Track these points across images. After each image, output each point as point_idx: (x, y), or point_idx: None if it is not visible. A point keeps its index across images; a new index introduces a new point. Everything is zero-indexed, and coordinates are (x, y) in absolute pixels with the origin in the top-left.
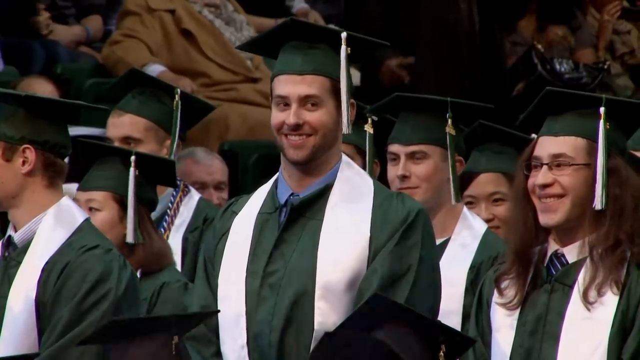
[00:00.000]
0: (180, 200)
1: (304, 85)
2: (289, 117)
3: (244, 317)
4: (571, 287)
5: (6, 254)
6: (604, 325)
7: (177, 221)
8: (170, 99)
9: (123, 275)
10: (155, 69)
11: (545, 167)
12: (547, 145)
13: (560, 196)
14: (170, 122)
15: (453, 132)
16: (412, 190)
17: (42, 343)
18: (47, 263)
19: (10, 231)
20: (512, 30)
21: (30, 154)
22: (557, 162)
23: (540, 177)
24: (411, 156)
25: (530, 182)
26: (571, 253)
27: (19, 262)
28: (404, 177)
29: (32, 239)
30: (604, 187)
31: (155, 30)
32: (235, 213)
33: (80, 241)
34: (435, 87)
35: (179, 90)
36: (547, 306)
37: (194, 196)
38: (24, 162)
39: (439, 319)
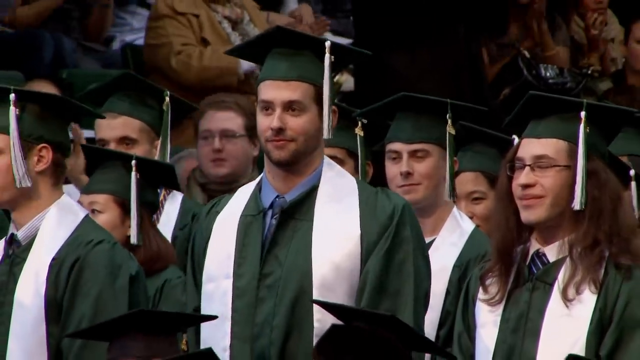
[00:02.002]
0: (164, 199)
1: (288, 90)
2: (273, 121)
3: (230, 320)
4: (551, 285)
5: (10, 251)
6: (583, 323)
7: (162, 218)
8: (156, 101)
9: (132, 266)
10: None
11: (527, 168)
12: (530, 147)
13: (540, 197)
14: (158, 123)
15: (453, 132)
16: (415, 187)
17: (64, 340)
18: (54, 259)
19: (12, 229)
20: (501, 36)
21: (47, 154)
22: (539, 163)
23: (522, 177)
24: (413, 154)
25: (514, 183)
26: (552, 252)
27: (24, 259)
28: (407, 174)
29: (35, 236)
30: (583, 189)
31: (187, 32)
32: (218, 213)
33: (86, 236)
34: (429, 90)
35: (168, 93)
36: (528, 304)
37: (177, 195)
38: (38, 160)
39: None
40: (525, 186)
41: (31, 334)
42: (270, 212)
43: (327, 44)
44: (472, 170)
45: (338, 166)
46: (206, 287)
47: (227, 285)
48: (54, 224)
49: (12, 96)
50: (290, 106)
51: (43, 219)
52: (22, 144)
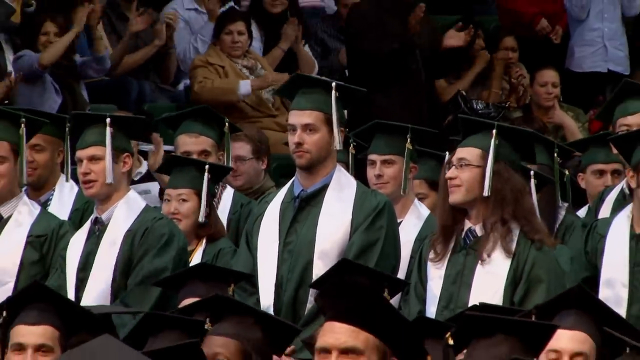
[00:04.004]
0: (221, 193)
1: (305, 117)
2: (295, 138)
3: (275, 272)
4: (478, 251)
5: (95, 229)
6: (501, 278)
7: (219, 207)
8: (218, 125)
9: (181, 235)
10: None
11: (454, 167)
12: (457, 153)
13: (458, 186)
14: (220, 140)
15: (411, 147)
16: (384, 184)
17: (129, 281)
18: (128, 230)
19: (96, 214)
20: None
21: (129, 160)
22: (460, 163)
23: (448, 173)
24: (384, 162)
25: (445, 177)
26: (479, 229)
27: (104, 232)
28: (379, 176)
29: (111, 217)
30: (490, 181)
31: (215, 77)
32: (268, 202)
33: (150, 215)
34: (400, 119)
35: (227, 120)
36: (463, 265)
37: (229, 190)
38: (123, 165)
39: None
40: (450, 178)
41: (99, 284)
42: (296, 200)
43: (333, 84)
44: (418, 179)
45: (345, 171)
46: (261, 250)
47: (275, 249)
48: (125, 210)
49: (108, 120)
50: (307, 127)
51: (118, 206)
52: (113, 153)
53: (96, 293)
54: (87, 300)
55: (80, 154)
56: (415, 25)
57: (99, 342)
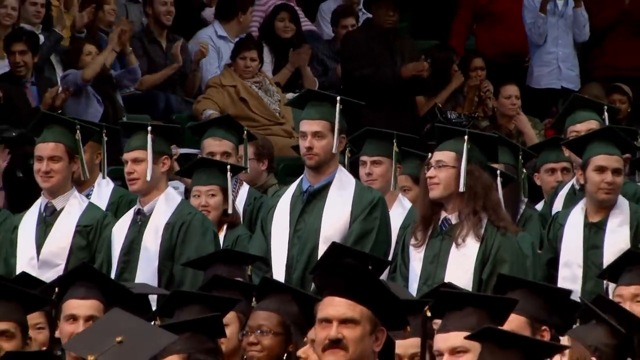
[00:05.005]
0: (238, 189)
1: (314, 125)
2: (306, 143)
3: (286, 254)
4: (452, 237)
5: (138, 219)
6: (471, 259)
7: (237, 200)
8: (237, 132)
9: (212, 225)
10: (208, 113)
11: (432, 167)
12: (435, 156)
13: (437, 184)
14: (238, 144)
15: (397, 150)
16: (373, 181)
17: (176, 269)
18: (167, 223)
19: (138, 206)
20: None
21: (167, 162)
22: (438, 164)
23: (428, 172)
24: (373, 162)
25: (426, 176)
26: (453, 218)
27: (147, 223)
28: (369, 174)
29: (153, 210)
30: (465, 179)
31: (225, 96)
32: (280, 196)
33: (185, 210)
34: (389, 127)
35: (245, 127)
36: (439, 248)
37: (245, 186)
38: (163, 165)
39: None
40: (429, 177)
41: (149, 267)
42: (305, 194)
43: (338, 98)
44: (402, 174)
45: (345, 171)
46: (274, 236)
47: (286, 235)
48: (164, 204)
49: (149, 128)
50: (316, 134)
51: (158, 200)
52: (153, 156)
53: (145, 275)
54: (138, 281)
55: (125, 156)
56: (412, 71)
57: (112, 314)
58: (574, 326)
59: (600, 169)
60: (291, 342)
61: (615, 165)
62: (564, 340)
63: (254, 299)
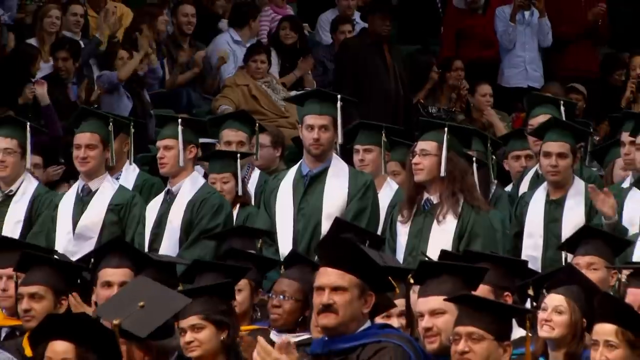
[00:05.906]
0: (251, 173)
1: (321, 119)
2: (313, 135)
3: (292, 229)
4: (434, 215)
5: (167, 197)
6: (450, 233)
7: (249, 183)
8: (249, 123)
9: (227, 205)
10: (223, 108)
11: (417, 155)
12: (419, 144)
13: (421, 169)
14: (251, 135)
15: (386, 140)
16: (365, 166)
17: (190, 237)
18: (190, 201)
19: (168, 186)
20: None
21: (194, 149)
22: (422, 153)
23: (413, 160)
24: (365, 150)
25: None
26: (435, 198)
27: (173, 200)
28: (361, 161)
29: (179, 190)
30: (445, 166)
31: (239, 94)
32: (280, 179)
33: (206, 190)
34: (381, 119)
35: (257, 121)
36: (422, 224)
37: (256, 170)
38: (190, 152)
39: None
40: (415, 164)
41: (172, 238)
42: (306, 178)
43: (339, 96)
44: (392, 160)
45: (339, 157)
46: (279, 215)
47: (290, 213)
48: (189, 185)
49: (179, 120)
50: (322, 127)
51: (184, 182)
52: (184, 144)
53: (169, 245)
54: (162, 251)
55: (158, 143)
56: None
57: (135, 282)
58: (543, 290)
59: (547, 154)
60: (308, 308)
61: (559, 150)
62: (550, 297)
63: (282, 267)
